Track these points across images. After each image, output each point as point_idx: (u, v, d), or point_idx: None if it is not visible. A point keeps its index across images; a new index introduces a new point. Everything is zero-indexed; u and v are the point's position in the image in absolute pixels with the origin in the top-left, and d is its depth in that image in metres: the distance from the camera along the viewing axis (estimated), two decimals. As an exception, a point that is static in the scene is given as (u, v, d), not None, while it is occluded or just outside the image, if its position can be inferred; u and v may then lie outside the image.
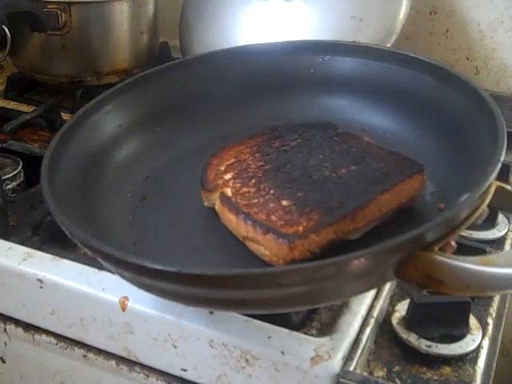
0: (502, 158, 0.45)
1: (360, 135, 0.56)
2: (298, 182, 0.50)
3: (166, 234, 0.52)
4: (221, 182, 0.52)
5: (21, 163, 0.76)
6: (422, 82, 0.56)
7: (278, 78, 0.62)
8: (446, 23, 0.98)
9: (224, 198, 0.50)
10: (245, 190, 0.51)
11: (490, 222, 0.67)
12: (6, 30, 0.82)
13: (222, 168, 0.54)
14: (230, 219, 0.50)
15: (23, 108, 0.89)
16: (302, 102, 0.62)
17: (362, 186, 0.49)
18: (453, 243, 0.42)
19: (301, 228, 0.46)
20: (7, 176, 0.73)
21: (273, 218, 0.47)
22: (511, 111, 0.92)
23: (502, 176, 0.76)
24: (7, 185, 0.72)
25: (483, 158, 0.46)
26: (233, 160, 0.54)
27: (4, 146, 0.78)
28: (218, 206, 0.52)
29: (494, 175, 0.43)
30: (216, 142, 0.58)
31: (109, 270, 0.48)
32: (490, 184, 0.43)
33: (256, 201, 0.49)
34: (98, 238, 0.44)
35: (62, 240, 0.61)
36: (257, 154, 0.54)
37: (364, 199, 0.48)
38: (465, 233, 0.65)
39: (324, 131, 0.56)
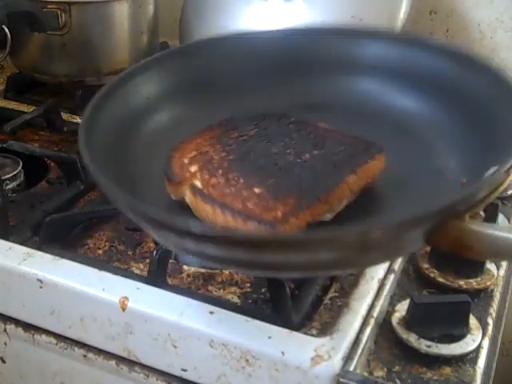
0: None
1: (314, 122, 0.56)
2: (266, 170, 0.51)
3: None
4: (188, 174, 0.52)
5: (21, 163, 0.76)
6: (443, 66, 0.57)
7: (299, 61, 0.63)
8: (446, 23, 0.98)
9: (196, 190, 0.50)
10: (214, 180, 0.51)
11: (490, 222, 0.67)
12: (6, 29, 0.82)
13: (186, 161, 0.53)
14: (206, 210, 0.49)
15: (23, 108, 0.89)
16: (324, 83, 0.62)
17: (329, 169, 0.51)
18: (481, 213, 0.45)
19: (279, 213, 0.47)
20: (7, 176, 0.73)
21: (249, 205, 0.48)
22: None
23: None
24: (7, 185, 0.72)
25: (507, 135, 0.47)
26: (194, 153, 0.54)
27: (4, 145, 0.78)
28: (189, 199, 0.51)
29: None
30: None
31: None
32: None
33: (228, 190, 0.49)
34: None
35: (62, 240, 0.61)
36: (217, 146, 0.54)
37: (335, 181, 0.49)
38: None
39: (278, 120, 0.57)
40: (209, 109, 0.60)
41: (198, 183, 0.51)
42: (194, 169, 0.52)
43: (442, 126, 0.56)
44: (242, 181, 0.50)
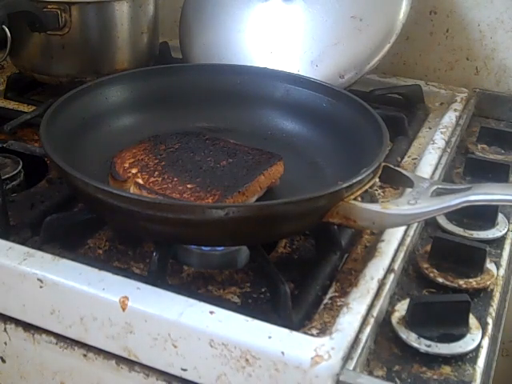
0: (388, 142, 0.62)
1: (224, 138, 0.69)
2: (194, 172, 0.63)
3: None
4: (130, 174, 0.63)
5: (21, 163, 0.76)
6: (319, 99, 0.73)
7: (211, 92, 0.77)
8: (446, 23, 0.98)
9: (140, 185, 0.61)
10: (153, 179, 0.62)
11: (490, 222, 0.67)
12: (6, 29, 0.82)
13: (126, 165, 0.64)
14: None
15: (23, 108, 0.89)
16: (227, 112, 0.76)
17: (243, 171, 0.63)
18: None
19: (210, 201, 0.59)
20: (7, 176, 0.73)
21: (185, 196, 0.59)
22: (511, 111, 0.92)
23: (502, 175, 0.77)
24: (7, 185, 0.73)
25: (372, 149, 0.61)
26: (132, 160, 0.65)
27: (4, 145, 0.78)
28: (134, 193, 0.60)
29: (384, 156, 0.59)
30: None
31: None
32: (381, 161, 0.59)
33: (166, 186, 0.61)
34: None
35: (62, 240, 0.61)
36: (150, 155, 0.66)
37: (249, 180, 0.62)
38: (465, 233, 0.66)
39: (196, 137, 0.69)
40: (150, 122, 0.74)
41: (140, 181, 0.61)
42: (134, 171, 0.63)
43: (320, 144, 0.71)
44: (175, 179, 0.62)
